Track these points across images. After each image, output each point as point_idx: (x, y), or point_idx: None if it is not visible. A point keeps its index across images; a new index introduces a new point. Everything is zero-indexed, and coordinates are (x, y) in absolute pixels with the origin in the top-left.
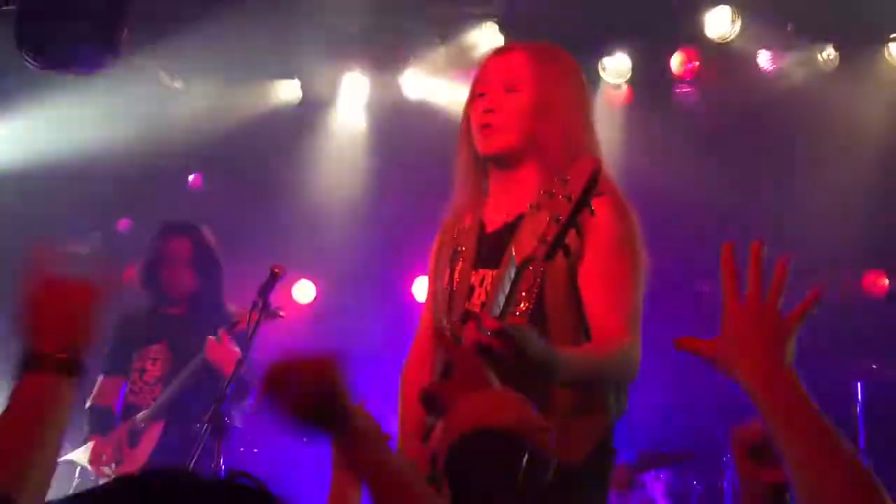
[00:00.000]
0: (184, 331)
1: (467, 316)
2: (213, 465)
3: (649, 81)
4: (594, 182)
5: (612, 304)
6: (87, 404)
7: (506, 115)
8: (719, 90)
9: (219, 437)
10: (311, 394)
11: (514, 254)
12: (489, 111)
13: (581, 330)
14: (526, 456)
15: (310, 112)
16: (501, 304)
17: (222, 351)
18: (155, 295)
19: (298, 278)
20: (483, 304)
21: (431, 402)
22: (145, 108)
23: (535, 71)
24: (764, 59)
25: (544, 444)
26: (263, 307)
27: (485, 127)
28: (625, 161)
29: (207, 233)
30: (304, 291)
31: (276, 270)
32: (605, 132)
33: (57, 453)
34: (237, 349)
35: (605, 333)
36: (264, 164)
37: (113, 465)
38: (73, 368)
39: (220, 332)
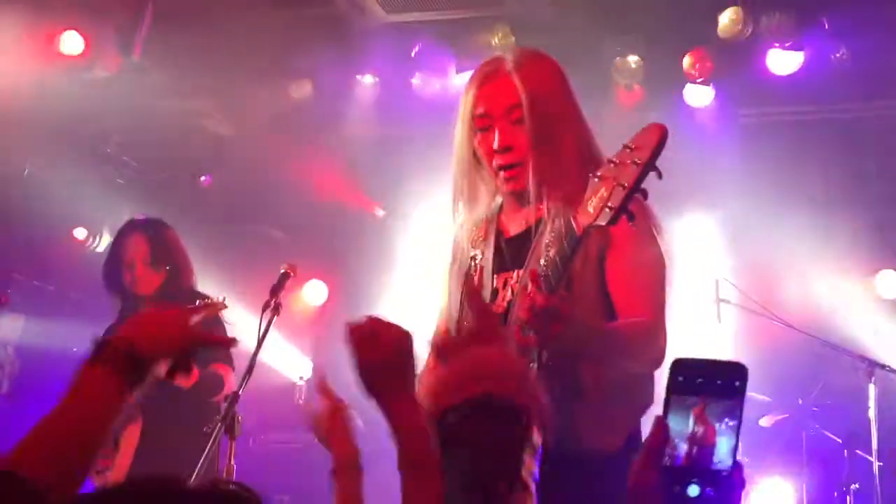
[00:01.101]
0: None
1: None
2: (225, 466)
3: (661, 82)
4: (662, 146)
5: (640, 290)
6: None
7: (521, 151)
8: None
9: (231, 438)
10: (391, 355)
11: (573, 224)
12: (507, 149)
13: (605, 318)
14: (523, 434)
15: (322, 112)
16: (552, 274)
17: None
18: (122, 297)
19: (310, 278)
20: (509, 303)
21: (442, 347)
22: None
23: (533, 95)
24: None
25: (545, 425)
26: (275, 307)
27: (507, 168)
28: None
29: (161, 224)
30: (315, 292)
31: (288, 270)
32: (617, 133)
33: (97, 450)
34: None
35: (632, 315)
36: (277, 165)
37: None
38: (130, 368)
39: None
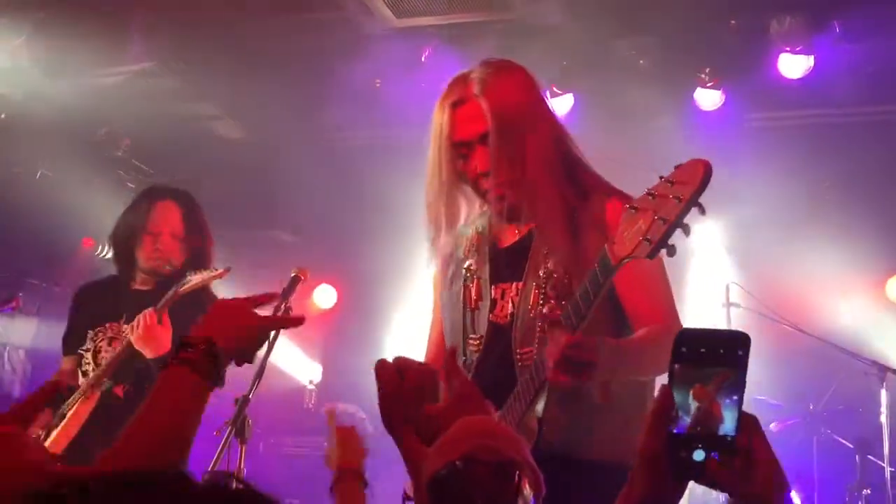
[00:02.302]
0: (147, 307)
1: (495, 329)
2: (236, 468)
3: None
4: (706, 183)
5: (655, 296)
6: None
7: (501, 172)
8: None
9: (242, 441)
10: (413, 393)
11: (608, 254)
12: (486, 175)
13: (613, 328)
14: (515, 489)
15: (333, 116)
16: (582, 304)
17: (150, 334)
18: (127, 267)
19: (319, 283)
20: (512, 315)
21: (427, 425)
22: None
23: (498, 116)
24: None
25: (535, 481)
26: (285, 311)
27: (489, 192)
28: None
29: (193, 197)
30: (325, 296)
31: (299, 275)
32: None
33: (188, 446)
34: (163, 327)
35: (654, 322)
36: (286, 169)
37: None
38: (210, 367)
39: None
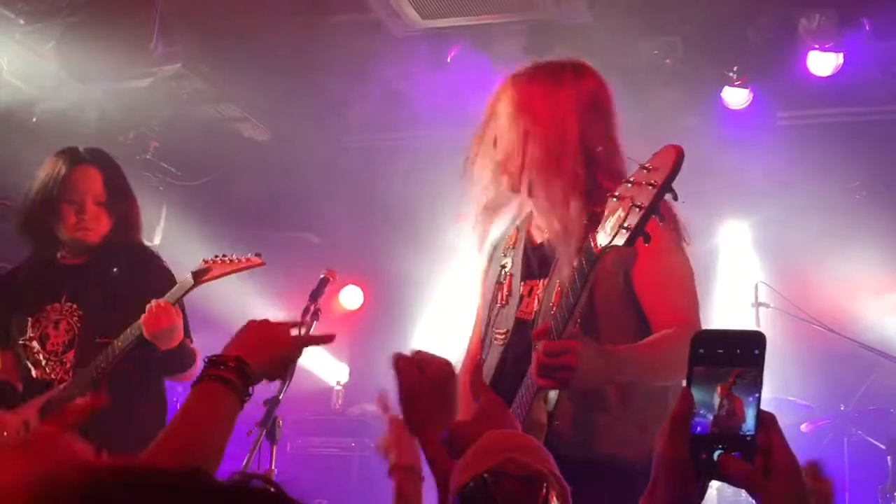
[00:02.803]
0: (91, 284)
1: (521, 325)
2: (267, 468)
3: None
4: (678, 169)
5: (675, 295)
6: None
7: (513, 158)
8: None
9: (272, 441)
10: (433, 387)
11: (591, 244)
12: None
13: (635, 330)
14: (542, 501)
15: (359, 118)
16: (572, 296)
17: (160, 320)
18: (48, 242)
19: (346, 284)
20: (536, 313)
21: (453, 440)
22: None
23: (523, 110)
24: None
25: (563, 494)
26: (315, 312)
27: (504, 173)
28: None
29: (112, 158)
30: (351, 297)
31: (328, 276)
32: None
33: (218, 462)
34: (178, 315)
35: (671, 322)
36: (313, 170)
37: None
38: (243, 386)
39: (161, 300)
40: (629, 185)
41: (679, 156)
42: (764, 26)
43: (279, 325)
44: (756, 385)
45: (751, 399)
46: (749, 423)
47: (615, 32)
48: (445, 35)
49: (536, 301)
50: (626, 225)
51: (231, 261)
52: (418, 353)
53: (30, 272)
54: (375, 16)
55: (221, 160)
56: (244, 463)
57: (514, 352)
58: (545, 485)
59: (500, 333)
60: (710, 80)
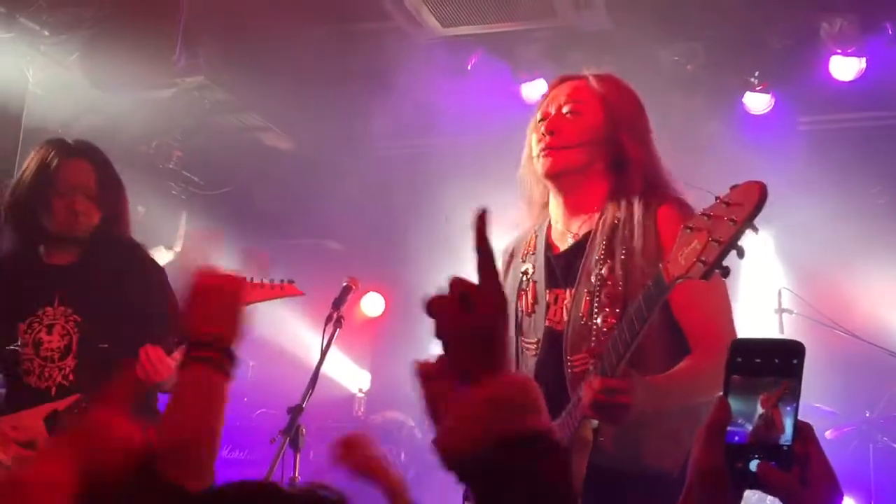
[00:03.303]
0: (86, 286)
1: (551, 334)
2: (291, 476)
3: (719, 89)
4: (762, 205)
5: (711, 316)
6: None
7: (566, 136)
8: None
9: (295, 449)
10: (485, 322)
11: (661, 272)
12: (549, 133)
13: (675, 349)
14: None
15: (381, 124)
16: (637, 322)
17: (159, 373)
18: (32, 233)
19: (367, 291)
20: (566, 323)
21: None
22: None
23: (598, 94)
24: None
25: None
26: (338, 320)
27: (544, 149)
28: None
29: (100, 150)
30: (373, 304)
31: (350, 283)
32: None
33: (219, 440)
34: (172, 361)
35: (710, 339)
36: (334, 178)
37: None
38: (228, 360)
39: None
40: (706, 217)
41: (763, 193)
42: (785, 31)
43: (224, 279)
44: (794, 395)
45: (789, 409)
46: (787, 433)
47: (636, 39)
48: (466, 43)
49: (564, 311)
50: (703, 259)
51: (264, 286)
52: (459, 281)
53: (13, 273)
54: (396, 24)
55: (243, 169)
56: (268, 471)
57: (547, 360)
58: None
59: (530, 343)
60: (731, 86)
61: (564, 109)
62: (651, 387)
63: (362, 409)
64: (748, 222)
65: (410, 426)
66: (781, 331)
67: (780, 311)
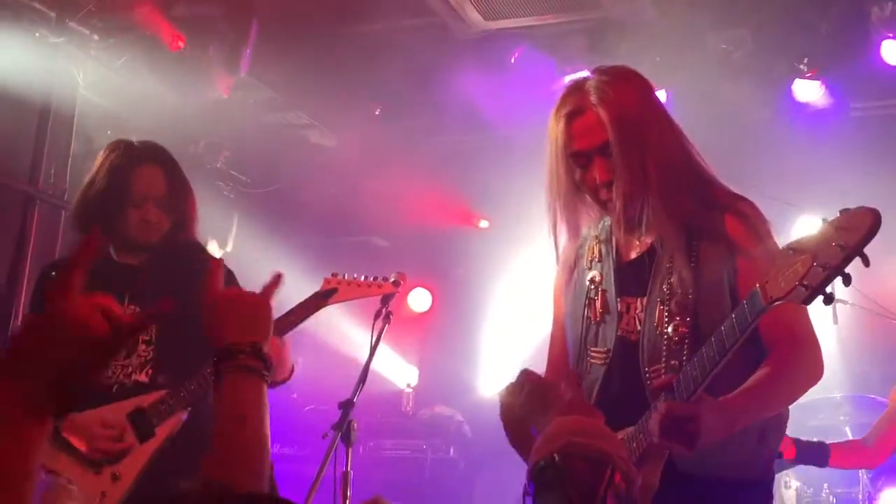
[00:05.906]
0: (157, 287)
1: (623, 344)
2: (343, 470)
3: (768, 77)
4: (873, 233)
5: (790, 316)
6: None
7: (618, 180)
8: None
9: (347, 444)
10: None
11: (759, 292)
12: (610, 184)
13: (751, 357)
14: (608, 480)
15: (424, 121)
16: (727, 341)
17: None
18: (109, 241)
19: (414, 286)
20: (640, 333)
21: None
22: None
23: (619, 127)
24: None
25: (628, 474)
26: (386, 315)
27: (608, 199)
28: None
29: (170, 153)
30: (420, 300)
31: (398, 279)
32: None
33: (266, 443)
34: (283, 346)
35: (785, 338)
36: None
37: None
38: (264, 366)
39: None
40: (812, 241)
41: (876, 220)
42: (834, 16)
43: (245, 293)
44: None
45: None
46: None
47: (681, 27)
48: (509, 35)
49: (637, 321)
50: (805, 283)
51: (361, 284)
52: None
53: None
54: (438, 19)
55: (290, 167)
56: (321, 466)
57: (618, 372)
58: (611, 466)
59: (598, 352)
60: (780, 73)
61: (603, 153)
62: (724, 410)
63: (411, 405)
64: (858, 249)
65: (459, 421)
66: (836, 321)
67: (835, 300)
